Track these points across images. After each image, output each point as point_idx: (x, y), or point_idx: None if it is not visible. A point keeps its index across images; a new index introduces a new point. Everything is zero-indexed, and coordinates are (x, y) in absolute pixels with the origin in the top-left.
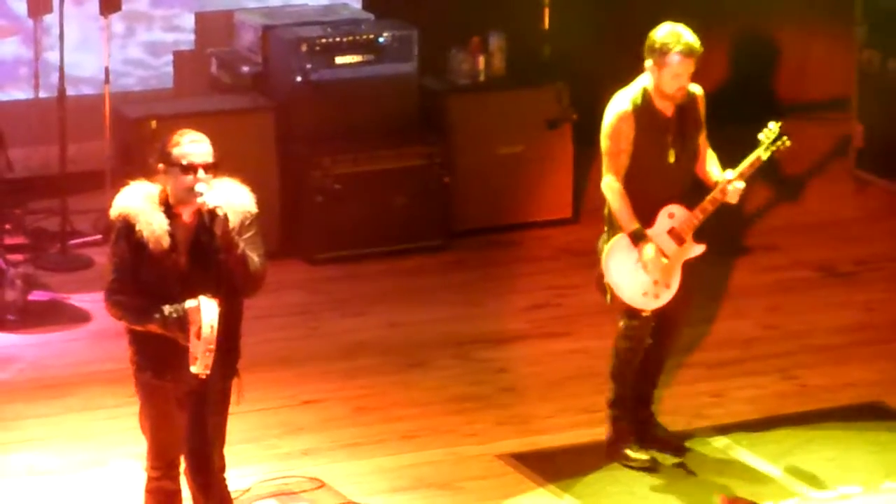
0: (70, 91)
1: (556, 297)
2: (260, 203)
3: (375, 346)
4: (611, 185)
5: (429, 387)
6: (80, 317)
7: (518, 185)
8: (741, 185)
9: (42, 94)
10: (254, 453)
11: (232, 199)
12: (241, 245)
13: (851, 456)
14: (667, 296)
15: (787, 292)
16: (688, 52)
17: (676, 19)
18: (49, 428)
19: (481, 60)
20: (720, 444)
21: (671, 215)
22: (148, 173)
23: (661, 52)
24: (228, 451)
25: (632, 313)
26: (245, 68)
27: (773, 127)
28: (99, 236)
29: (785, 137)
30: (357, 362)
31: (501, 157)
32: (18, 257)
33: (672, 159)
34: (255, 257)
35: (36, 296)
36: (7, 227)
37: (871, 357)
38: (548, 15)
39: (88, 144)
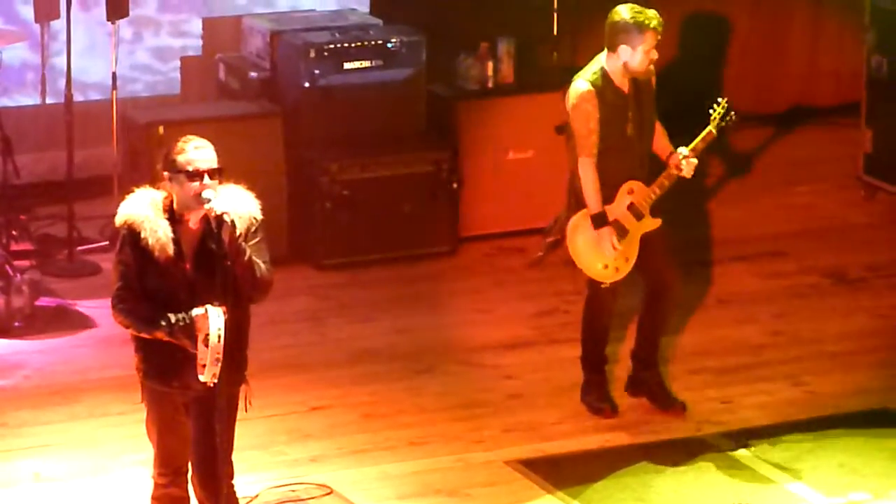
0: (77, 97)
1: (564, 304)
2: (268, 209)
3: (383, 353)
4: (587, 166)
5: (436, 393)
6: (87, 323)
7: (526, 191)
8: (694, 160)
9: (49, 100)
10: (261, 460)
11: (238, 205)
12: (249, 251)
13: (861, 462)
14: (627, 268)
15: (795, 298)
16: (660, 26)
17: (683, 22)
18: (55, 435)
19: (490, 66)
20: (729, 451)
21: (630, 191)
22: (154, 179)
23: (638, 31)
24: (236, 457)
25: (593, 284)
26: (253, 74)
27: (722, 102)
28: (106, 242)
29: (732, 113)
30: (365, 368)
31: (510, 163)
32: (25, 263)
33: (632, 133)
34: (261, 264)
35: (43, 302)
36: (14, 233)
37: (881, 363)
38: (556, 20)
39: (96, 150)
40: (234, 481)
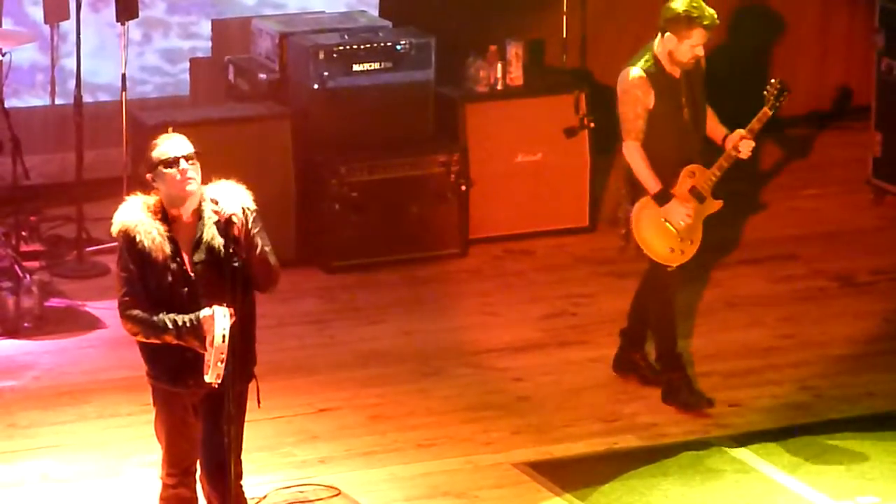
0: (87, 98)
1: (572, 306)
2: (276, 211)
3: (391, 355)
4: (633, 149)
5: (445, 395)
6: (96, 324)
7: (535, 193)
8: (751, 141)
9: (59, 101)
10: (270, 461)
11: (230, 198)
12: (261, 243)
13: (869, 466)
14: (692, 250)
15: (804, 302)
16: (712, 26)
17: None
18: (64, 435)
19: (499, 68)
20: (737, 454)
21: (692, 174)
22: (145, 185)
23: (688, 24)
24: (244, 458)
25: (660, 274)
26: (262, 75)
27: (774, 82)
28: (115, 244)
29: (786, 92)
30: (373, 370)
31: (518, 166)
32: (35, 264)
33: (687, 117)
34: (271, 253)
35: (52, 303)
36: (23, 234)
37: (889, 367)
38: (565, 22)
39: (105, 151)
40: (242, 482)
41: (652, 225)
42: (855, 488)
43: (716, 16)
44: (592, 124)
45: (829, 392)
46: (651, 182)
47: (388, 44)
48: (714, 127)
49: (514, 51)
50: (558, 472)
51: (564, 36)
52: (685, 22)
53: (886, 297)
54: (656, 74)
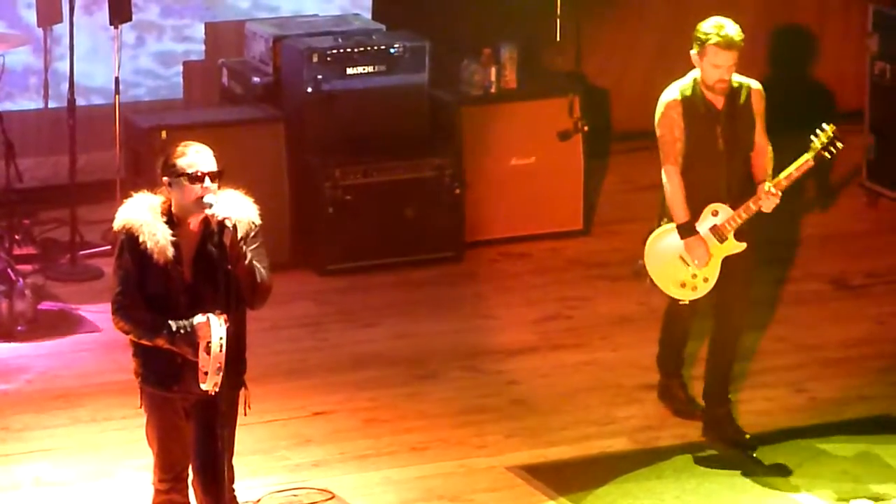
0: (80, 101)
1: (567, 309)
2: (270, 214)
3: (385, 358)
4: (669, 174)
5: (439, 399)
6: (90, 327)
7: (529, 196)
8: (775, 199)
9: (52, 104)
10: (263, 465)
11: (237, 210)
12: (250, 256)
13: (863, 469)
14: (704, 289)
15: (797, 305)
16: (726, 45)
17: (689, 33)
18: (57, 439)
19: (493, 72)
20: (731, 457)
21: (714, 213)
22: (156, 184)
23: (702, 42)
24: (238, 462)
25: (672, 299)
26: (256, 79)
27: (828, 129)
28: (109, 247)
29: (838, 142)
30: (367, 374)
31: (513, 169)
32: (28, 268)
33: (722, 149)
34: (261, 269)
35: (45, 306)
36: (17, 237)
37: (883, 370)
38: (559, 26)
39: (98, 155)
40: (235, 486)
41: (668, 255)
42: (849, 491)
43: (736, 36)
44: (586, 128)
45: (823, 395)
46: (679, 211)
47: (382, 47)
48: (759, 167)
49: (509, 54)
50: (553, 476)
51: (558, 39)
52: (698, 41)
53: (880, 300)
54: (692, 98)
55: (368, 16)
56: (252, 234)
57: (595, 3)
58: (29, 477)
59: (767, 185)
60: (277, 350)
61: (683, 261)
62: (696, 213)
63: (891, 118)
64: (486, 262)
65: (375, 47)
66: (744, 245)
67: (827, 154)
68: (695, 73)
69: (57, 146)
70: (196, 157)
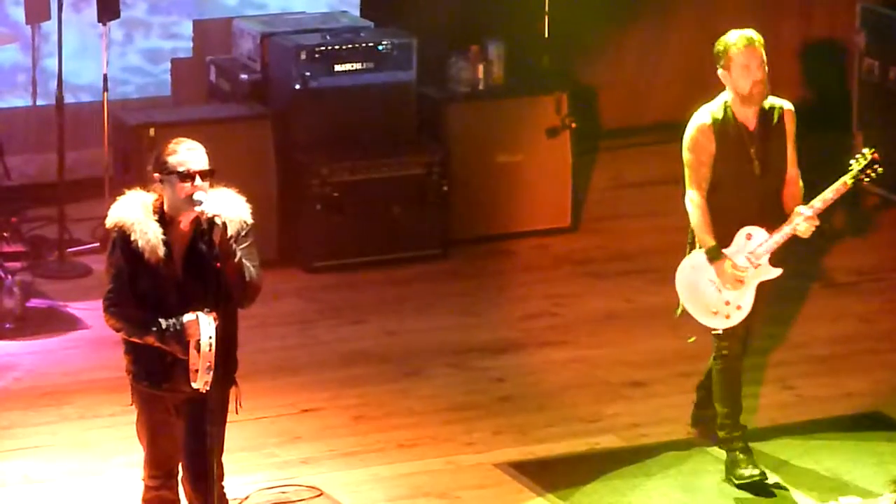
0: (68, 98)
1: (554, 306)
2: (258, 211)
3: (373, 355)
4: (692, 200)
5: (426, 396)
6: (78, 325)
7: (516, 193)
8: (814, 223)
9: (40, 102)
10: (252, 462)
11: (228, 208)
12: (239, 254)
13: (850, 467)
14: (738, 316)
15: (785, 302)
16: (747, 42)
17: (677, 30)
18: (46, 436)
19: (480, 69)
20: (719, 455)
21: (749, 236)
22: (144, 182)
23: (725, 53)
24: (226, 459)
25: (720, 335)
26: (243, 76)
27: (867, 153)
28: (97, 244)
29: (878, 166)
30: (355, 371)
31: (500, 166)
32: (16, 265)
33: (758, 171)
34: (251, 267)
35: (34, 303)
36: (5, 234)
37: (869, 367)
38: (547, 23)
39: (86, 152)
40: (224, 483)
41: (698, 282)
42: (836, 488)
43: (754, 34)
44: (574, 125)
45: (810, 392)
46: (705, 236)
47: (370, 44)
48: (790, 192)
49: (496, 51)
50: (540, 473)
51: (546, 36)
52: (722, 53)
53: (867, 298)
54: (724, 121)
55: (356, 13)
56: (243, 232)
57: (583, 1)
58: (17, 474)
59: (804, 209)
60: (265, 347)
61: (716, 287)
62: (729, 237)
63: (879, 115)
64: (474, 259)
65: (363, 44)
66: (779, 271)
67: (865, 179)
68: (724, 97)
69: (45, 143)
70: (187, 154)
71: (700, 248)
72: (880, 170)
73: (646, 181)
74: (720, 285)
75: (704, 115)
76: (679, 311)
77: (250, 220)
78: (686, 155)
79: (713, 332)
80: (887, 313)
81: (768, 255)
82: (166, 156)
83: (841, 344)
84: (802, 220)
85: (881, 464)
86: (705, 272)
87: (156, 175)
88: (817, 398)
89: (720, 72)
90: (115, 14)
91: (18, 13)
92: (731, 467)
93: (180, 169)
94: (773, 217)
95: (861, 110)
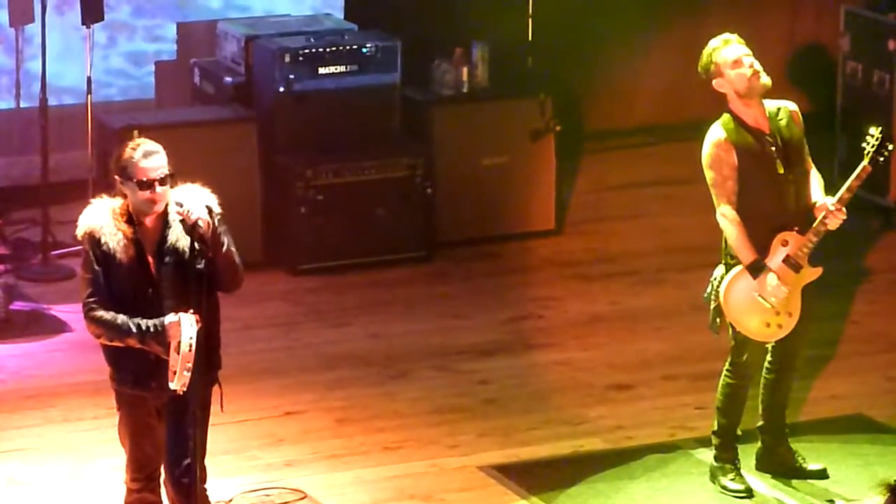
0: (52, 101)
1: (539, 309)
2: (242, 214)
3: (357, 358)
4: (726, 215)
5: (411, 398)
6: (62, 327)
7: (501, 196)
8: (841, 215)
9: (24, 104)
10: (235, 464)
11: (195, 202)
12: (227, 242)
13: (835, 468)
14: (790, 324)
15: None
16: (726, 41)
17: (660, 33)
18: (30, 439)
19: (465, 72)
20: (703, 457)
21: (784, 243)
22: (112, 187)
23: (711, 60)
24: (210, 462)
25: (737, 351)
26: (227, 79)
27: (875, 133)
28: (80, 247)
29: (889, 144)
30: (339, 373)
31: (484, 169)
32: (0, 268)
33: (781, 170)
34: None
35: (17, 306)
36: None
37: (854, 369)
38: (531, 26)
39: (70, 154)
40: (207, 485)
41: (745, 300)
42: (821, 491)
43: (733, 34)
44: (558, 127)
45: (795, 394)
46: (744, 252)
47: (354, 47)
48: (812, 190)
49: (480, 54)
50: (524, 475)
51: (530, 39)
52: (711, 59)
53: (851, 300)
54: (737, 131)
55: (340, 15)
56: (216, 221)
57: (566, 3)
58: (2, 476)
59: (831, 203)
60: (249, 350)
61: (763, 300)
62: (766, 244)
63: (862, 118)
64: (458, 262)
65: (347, 47)
66: (820, 270)
67: (881, 157)
68: (726, 115)
69: (29, 146)
70: (145, 161)
71: (739, 263)
72: (891, 146)
73: (630, 184)
74: (767, 297)
75: (718, 131)
76: (716, 327)
77: (218, 210)
78: (708, 174)
79: (766, 345)
80: (872, 315)
81: (807, 257)
82: (124, 161)
83: (826, 346)
84: (833, 216)
85: (866, 466)
86: (750, 287)
87: (116, 177)
88: (803, 400)
89: (715, 82)
90: (98, 17)
91: (2, 16)
92: (717, 474)
93: (139, 178)
94: (806, 215)
95: (845, 113)
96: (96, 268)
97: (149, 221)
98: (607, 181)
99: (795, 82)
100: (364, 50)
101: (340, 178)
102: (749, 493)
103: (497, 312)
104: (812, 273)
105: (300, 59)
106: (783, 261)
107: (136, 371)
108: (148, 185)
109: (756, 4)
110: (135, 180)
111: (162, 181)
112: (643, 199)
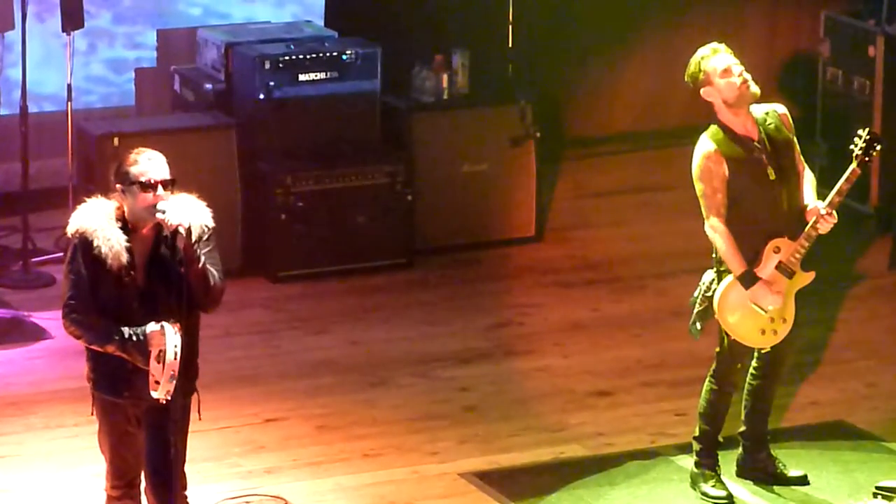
0: (32, 108)
1: (519, 316)
2: (222, 221)
3: (338, 365)
4: (715, 227)
5: (391, 405)
6: (42, 335)
7: (481, 203)
8: (832, 219)
9: (4, 111)
10: (216, 472)
11: (190, 213)
12: (203, 259)
13: (815, 475)
14: (785, 330)
15: None
16: (714, 50)
17: (641, 40)
18: (10, 446)
19: (445, 78)
20: (683, 463)
21: (776, 249)
22: (108, 191)
23: (699, 70)
24: (190, 469)
25: (726, 360)
26: (208, 86)
27: (863, 134)
28: (61, 254)
29: (877, 144)
30: (319, 381)
31: (464, 176)
32: None
33: (773, 176)
34: (214, 272)
35: None
36: None
37: (834, 376)
38: (512, 33)
39: (50, 162)
40: (187, 493)
41: (739, 308)
42: (802, 497)
43: (716, 45)
44: (538, 134)
45: (776, 401)
46: (735, 263)
47: (334, 54)
48: (805, 193)
49: (461, 60)
50: (505, 482)
51: (511, 46)
52: (700, 69)
53: (831, 306)
54: (727, 141)
55: (321, 23)
56: (205, 237)
57: (547, 10)
58: None
59: (822, 207)
60: (229, 357)
61: (758, 308)
62: (760, 250)
63: (842, 124)
64: (438, 269)
65: (327, 54)
66: (812, 274)
67: (868, 159)
68: (713, 126)
69: (9, 153)
70: (148, 164)
71: (728, 273)
72: (879, 147)
73: (610, 191)
74: (762, 304)
75: (707, 143)
76: (696, 330)
77: (211, 224)
78: (698, 186)
79: (762, 351)
80: (852, 322)
81: (799, 263)
82: (127, 166)
83: (806, 352)
84: (822, 221)
85: (846, 472)
86: (744, 295)
87: (117, 185)
88: (783, 407)
89: (703, 91)
90: (79, 24)
91: None
92: (697, 480)
93: (142, 179)
94: (797, 214)
95: (825, 119)
96: (82, 271)
97: (144, 230)
98: (588, 188)
99: (776, 89)
100: (344, 57)
101: (320, 185)
102: (730, 499)
103: (477, 319)
104: (805, 278)
105: (280, 66)
106: (776, 268)
107: (111, 377)
108: (151, 186)
109: (736, 11)
110: (137, 182)
111: (165, 184)
112: (623, 206)
